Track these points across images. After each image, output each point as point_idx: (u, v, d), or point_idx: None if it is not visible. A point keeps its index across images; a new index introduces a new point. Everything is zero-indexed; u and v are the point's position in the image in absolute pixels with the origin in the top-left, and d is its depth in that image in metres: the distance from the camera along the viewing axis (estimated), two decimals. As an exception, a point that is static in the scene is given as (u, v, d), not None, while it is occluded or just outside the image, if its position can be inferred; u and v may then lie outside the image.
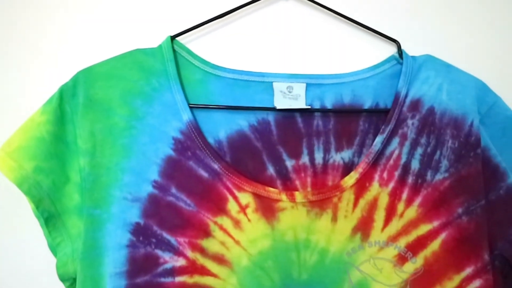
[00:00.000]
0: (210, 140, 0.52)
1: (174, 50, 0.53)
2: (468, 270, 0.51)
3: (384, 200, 0.51)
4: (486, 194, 0.51)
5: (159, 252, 0.49)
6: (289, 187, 0.52)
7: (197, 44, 0.56)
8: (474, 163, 0.51)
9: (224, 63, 0.53)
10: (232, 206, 0.50)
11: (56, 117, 0.50)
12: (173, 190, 0.50)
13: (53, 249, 0.51)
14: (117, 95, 0.51)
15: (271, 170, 0.52)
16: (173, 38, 0.54)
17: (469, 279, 0.51)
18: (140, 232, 0.49)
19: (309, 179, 0.52)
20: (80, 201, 0.50)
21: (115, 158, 0.50)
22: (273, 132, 0.53)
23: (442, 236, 0.51)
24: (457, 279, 0.51)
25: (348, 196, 0.51)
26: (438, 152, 0.52)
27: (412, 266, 0.51)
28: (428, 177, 0.51)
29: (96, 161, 0.50)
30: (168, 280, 0.50)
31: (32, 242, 0.57)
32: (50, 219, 0.50)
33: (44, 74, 0.57)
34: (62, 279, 0.51)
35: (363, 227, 0.51)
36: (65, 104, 0.51)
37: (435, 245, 0.51)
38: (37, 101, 0.53)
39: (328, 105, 0.53)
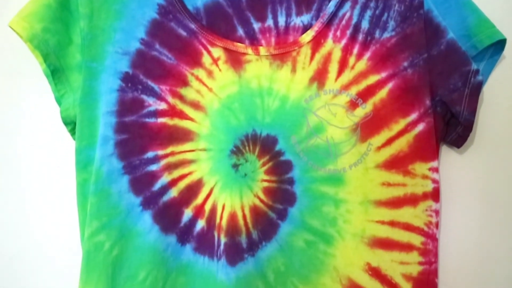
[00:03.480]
0: (189, 7, 0.60)
1: None
2: (413, 116, 0.58)
3: (337, 54, 0.59)
4: (429, 49, 0.58)
5: (144, 96, 0.59)
6: (255, 45, 0.60)
7: None
8: (417, 22, 0.58)
9: None
10: (206, 59, 0.59)
11: (61, -11, 0.61)
12: (157, 46, 0.59)
13: (58, 100, 0.61)
14: (111, -30, 0.61)
15: (240, 31, 0.61)
16: None
17: (414, 123, 0.58)
18: (128, 80, 0.59)
19: (273, 39, 0.61)
20: (81, 60, 0.60)
21: (109, 21, 0.59)
22: (242, 0, 0.61)
23: (389, 85, 0.58)
24: (402, 122, 0.58)
25: (306, 51, 0.59)
26: (385, 14, 0.59)
27: (362, 111, 0.58)
28: (377, 35, 0.59)
29: (93, 23, 0.59)
30: (152, 120, 0.59)
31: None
32: (55, 72, 0.60)
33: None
34: (65, 122, 0.60)
35: (319, 77, 0.59)
36: (68, -22, 0.61)
37: (383, 93, 0.58)
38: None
39: (290, -23, 0.62)
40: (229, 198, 0.57)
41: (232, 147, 0.58)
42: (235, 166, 0.58)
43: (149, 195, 0.58)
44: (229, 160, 0.58)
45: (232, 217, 0.57)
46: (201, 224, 0.58)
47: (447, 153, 0.62)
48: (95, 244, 0.57)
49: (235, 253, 0.57)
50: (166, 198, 0.58)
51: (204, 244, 0.58)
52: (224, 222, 0.57)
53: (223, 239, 0.57)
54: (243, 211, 0.57)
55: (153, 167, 0.58)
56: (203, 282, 0.58)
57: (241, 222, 0.57)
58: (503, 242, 0.61)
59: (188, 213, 0.58)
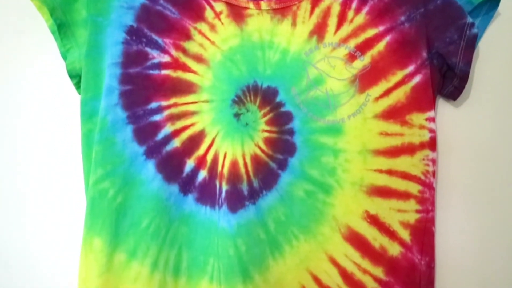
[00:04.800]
0: (192, -37, 0.62)
1: None
2: (410, 68, 0.60)
3: (336, 9, 0.60)
4: (425, 4, 0.60)
5: (148, 49, 0.60)
6: (257, 0, 0.62)
7: None
8: (414, -22, 0.60)
9: None
10: (208, 13, 0.61)
11: None
12: (161, 1, 0.61)
13: (64, 55, 0.62)
14: None
15: (242, -13, 0.62)
16: None
17: (411, 75, 0.60)
18: (133, 33, 0.60)
19: (273, -5, 0.62)
20: (86, 15, 0.61)
21: (115, -23, 0.61)
22: (244, -43, 0.63)
23: (387, 38, 0.60)
24: (400, 74, 0.60)
25: (305, 6, 0.61)
26: (383, -29, 0.61)
27: (361, 63, 0.60)
28: (375, -10, 0.61)
29: (99, -21, 0.61)
30: (155, 72, 0.60)
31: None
32: (61, 27, 0.61)
33: None
34: (71, 75, 0.62)
35: (318, 31, 0.60)
36: None
37: (380, 46, 0.60)
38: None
39: None
40: (231, 147, 0.59)
41: (234, 97, 0.59)
42: (237, 115, 0.59)
43: (152, 144, 0.59)
44: (230, 109, 0.59)
45: (234, 164, 0.58)
46: (203, 174, 0.59)
47: (443, 106, 0.63)
48: (99, 191, 0.58)
49: (236, 200, 0.58)
50: (169, 148, 0.59)
51: (206, 194, 0.59)
52: (225, 170, 0.58)
53: (224, 187, 0.58)
54: (244, 159, 0.59)
55: (157, 117, 0.59)
56: (205, 231, 0.59)
57: (242, 170, 0.58)
58: (497, 191, 0.62)
59: (190, 163, 0.60)
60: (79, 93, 0.62)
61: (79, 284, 0.59)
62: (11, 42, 0.68)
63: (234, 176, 0.58)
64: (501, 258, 0.62)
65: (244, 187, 0.58)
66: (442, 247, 0.61)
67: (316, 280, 0.59)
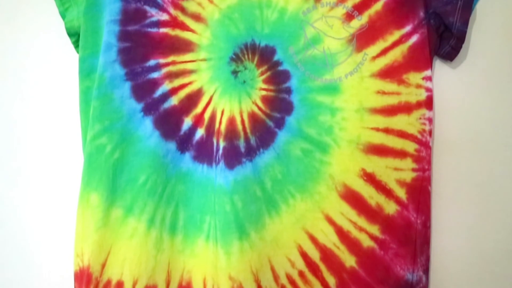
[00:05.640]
0: None
1: None
2: (407, 28, 0.60)
3: (334, -32, 0.61)
4: (423, -35, 0.60)
5: (147, 7, 0.60)
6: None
7: None
8: None
9: None
10: (207, -28, 0.61)
11: None
12: (160, -39, 0.61)
13: (63, 14, 0.63)
14: None
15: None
16: None
17: (408, 35, 0.60)
18: (131, -9, 0.61)
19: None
20: (85, -26, 0.62)
21: None
22: None
23: (384, -2, 0.60)
24: (397, 34, 0.60)
25: (304, -35, 0.61)
26: None
27: (358, 22, 0.60)
28: (373, -48, 0.61)
29: None
30: (154, 30, 0.60)
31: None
32: (61, -14, 0.62)
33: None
34: (69, 33, 0.62)
35: (316, -10, 0.61)
36: None
37: (378, 6, 0.60)
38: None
39: None
40: (228, 103, 0.59)
41: (232, 55, 0.60)
42: (235, 72, 0.59)
43: (150, 101, 0.59)
44: (228, 66, 0.59)
45: (231, 121, 0.59)
46: (200, 132, 0.60)
47: (440, 67, 0.64)
48: (97, 146, 0.58)
49: (234, 157, 0.58)
50: (166, 105, 0.59)
51: (203, 152, 0.60)
52: (223, 127, 0.59)
53: (222, 144, 0.58)
54: (241, 116, 0.59)
55: (155, 75, 0.60)
56: (202, 190, 0.59)
57: (239, 126, 0.59)
58: (493, 151, 0.62)
59: (188, 121, 0.60)
60: (78, 52, 0.62)
61: (75, 240, 0.59)
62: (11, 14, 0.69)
63: (231, 133, 0.58)
64: (499, 221, 0.62)
65: (241, 144, 0.58)
66: (438, 208, 0.61)
67: (312, 239, 0.59)
